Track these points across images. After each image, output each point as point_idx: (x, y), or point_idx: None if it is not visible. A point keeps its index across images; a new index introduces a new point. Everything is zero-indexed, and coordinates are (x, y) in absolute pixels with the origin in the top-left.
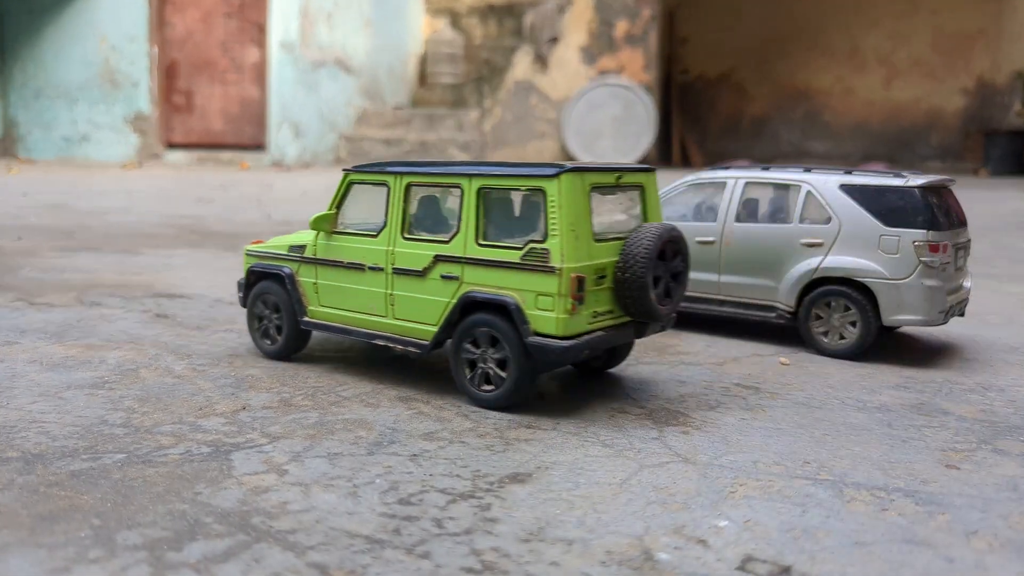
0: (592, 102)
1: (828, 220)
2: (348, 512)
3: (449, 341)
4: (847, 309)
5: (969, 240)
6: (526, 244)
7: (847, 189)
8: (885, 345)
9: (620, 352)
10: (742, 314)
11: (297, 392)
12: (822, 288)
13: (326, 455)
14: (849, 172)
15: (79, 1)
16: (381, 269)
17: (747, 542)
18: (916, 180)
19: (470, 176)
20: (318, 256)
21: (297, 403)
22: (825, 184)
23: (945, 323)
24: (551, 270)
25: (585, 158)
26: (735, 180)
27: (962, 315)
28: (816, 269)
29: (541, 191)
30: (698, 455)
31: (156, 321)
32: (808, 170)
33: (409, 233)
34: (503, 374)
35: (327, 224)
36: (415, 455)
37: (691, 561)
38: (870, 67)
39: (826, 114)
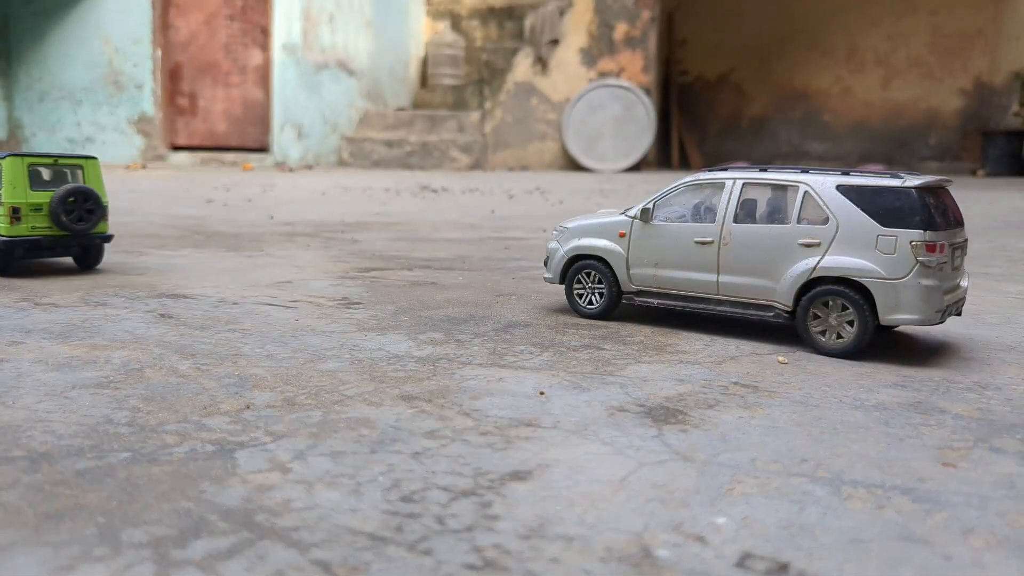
0: (592, 103)
1: (825, 220)
2: (351, 509)
3: None
4: (844, 308)
5: (966, 240)
6: None
7: (844, 190)
8: (883, 344)
9: (92, 255)
10: (740, 314)
11: (300, 391)
12: (820, 288)
13: (329, 453)
14: (846, 173)
15: (83, 4)
16: None
17: (745, 539)
18: (913, 181)
19: None
20: None
21: (300, 402)
22: (823, 185)
23: (942, 322)
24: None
25: (585, 159)
26: (733, 181)
27: (959, 314)
28: (814, 269)
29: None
30: (696, 453)
31: (160, 321)
32: (806, 171)
33: None
34: None
35: None
36: (417, 453)
37: (690, 558)
38: (869, 67)
39: (825, 114)
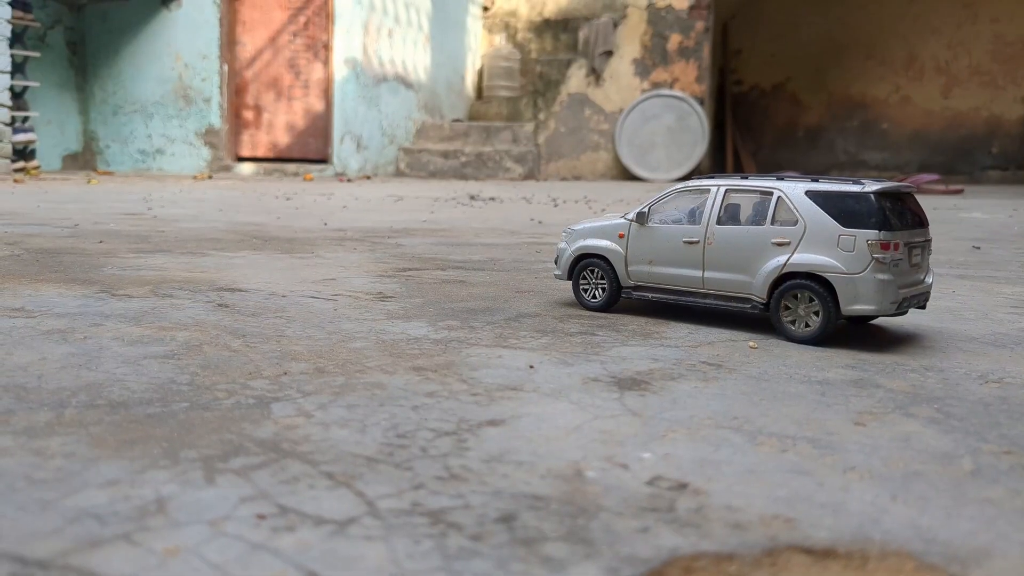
0: (645, 113)
1: (795, 222)
2: (356, 442)
3: None
4: (811, 300)
5: (928, 240)
6: None
7: (812, 195)
8: (853, 335)
9: None
10: (723, 306)
11: (330, 363)
12: (789, 282)
13: (346, 406)
14: (816, 180)
15: (156, 21)
16: None
17: (661, 468)
18: (872, 186)
19: None
20: None
21: (329, 370)
22: (793, 191)
23: (900, 314)
24: None
25: (638, 169)
26: (717, 187)
27: (922, 307)
28: (784, 265)
29: None
30: (645, 411)
31: (218, 310)
32: (780, 178)
33: None
34: None
35: None
36: (416, 406)
37: (611, 478)
38: (928, 76)
39: (883, 123)
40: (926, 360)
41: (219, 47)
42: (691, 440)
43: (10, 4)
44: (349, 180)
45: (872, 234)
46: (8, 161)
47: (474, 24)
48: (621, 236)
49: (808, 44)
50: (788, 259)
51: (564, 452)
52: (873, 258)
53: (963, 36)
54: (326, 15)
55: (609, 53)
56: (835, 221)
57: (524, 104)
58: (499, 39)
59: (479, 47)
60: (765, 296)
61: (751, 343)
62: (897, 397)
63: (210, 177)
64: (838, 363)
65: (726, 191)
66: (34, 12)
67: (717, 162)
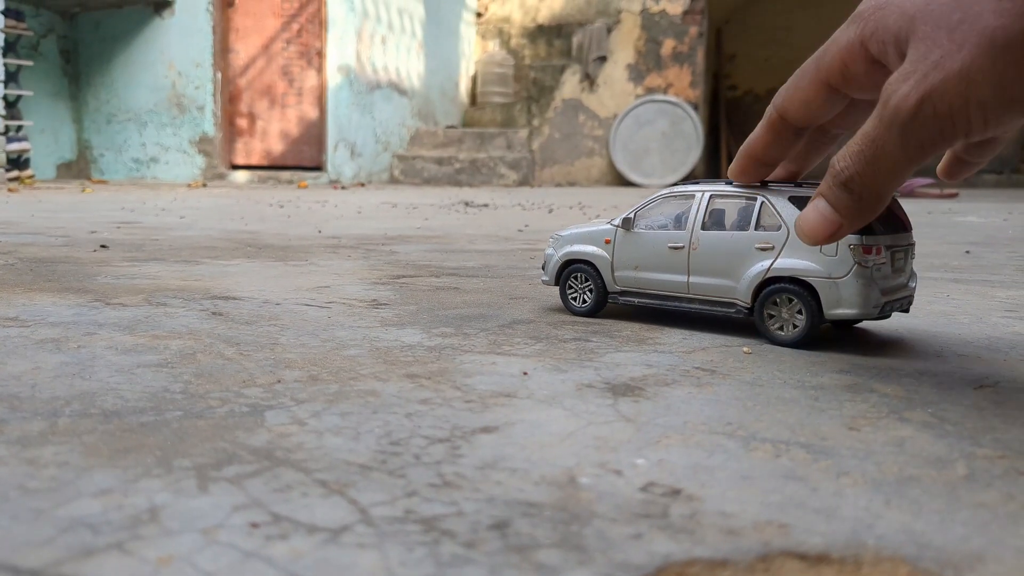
0: (640, 119)
1: (779, 227)
2: (349, 449)
3: None
4: (794, 304)
5: (912, 244)
6: None
7: (795, 200)
8: (847, 340)
9: None
10: (708, 310)
11: (323, 370)
12: (773, 286)
13: (339, 413)
14: (799, 186)
15: (148, 29)
16: None
17: (655, 473)
18: None
19: None
20: None
21: (323, 378)
22: (776, 196)
23: (883, 317)
24: None
25: (633, 174)
26: (702, 193)
27: (905, 311)
28: (768, 269)
29: None
30: (640, 417)
31: (212, 318)
32: (764, 185)
33: None
34: None
35: None
36: (410, 414)
37: (605, 484)
38: None
39: None
40: (920, 364)
41: (212, 55)
42: (685, 446)
43: (2, 13)
44: (343, 187)
45: (854, 238)
46: (2, 170)
47: (467, 30)
48: (607, 242)
49: (802, 49)
50: (772, 264)
51: (558, 459)
52: (856, 262)
53: None
54: (319, 22)
55: (603, 59)
56: None
57: (518, 110)
58: (493, 45)
59: (473, 53)
60: (749, 300)
61: (745, 348)
62: (891, 402)
63: (204, 185)
64: (832, 368)
65: (711, 196)
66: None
67: (712, 167)
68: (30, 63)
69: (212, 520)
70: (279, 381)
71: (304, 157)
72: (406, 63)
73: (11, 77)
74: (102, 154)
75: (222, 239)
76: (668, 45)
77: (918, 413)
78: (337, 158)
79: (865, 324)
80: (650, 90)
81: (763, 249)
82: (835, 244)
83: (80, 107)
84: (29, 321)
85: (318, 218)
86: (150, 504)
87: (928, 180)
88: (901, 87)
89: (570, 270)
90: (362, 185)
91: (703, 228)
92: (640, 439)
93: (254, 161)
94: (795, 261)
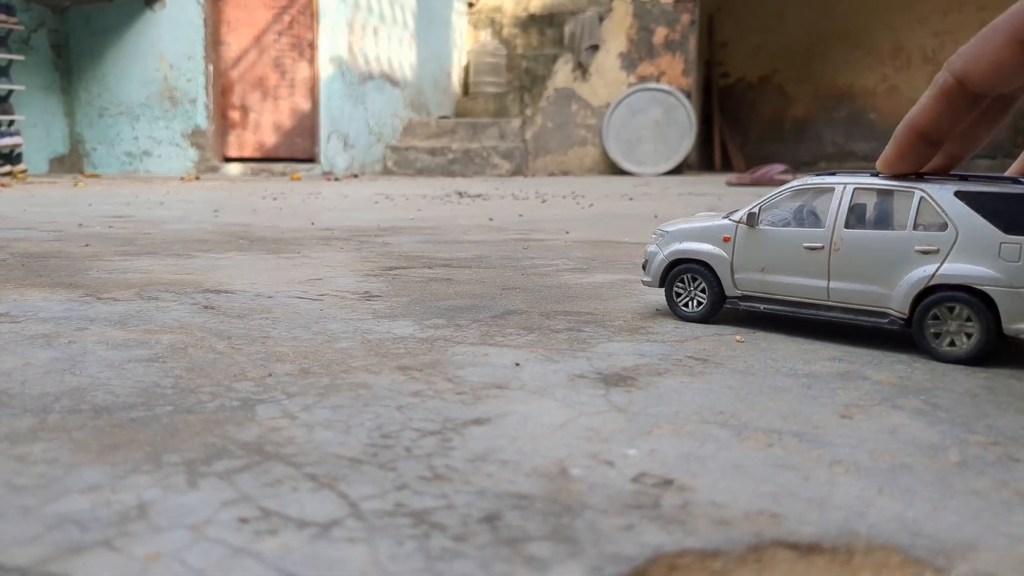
0: (632, 107)
1: (944, 227)
2: (340, 443)
3: None
4: (964, 316)
5: None
6: None
7: (963, 196)
8: (839, 328)
9: None
10: (852, 319)
11: (315, 364)
12: (938, 295)
13: (330, 407)
14: (965, 179)
15: (139, 22)
16: None
17: (646, 464)
18: None
19: None
20: None
21: (314, 371)
22: (940, 191)
23: None
24: None
25: (626, 163)
26: (843, 186)
27: None
28: (932, 276)
29: None
30: (631, 407)
31: (204, 311)
32: (920, 177)
33: None
34: None
35: None
36: (401, 406)
37: (596, 475)
38: (915, 65)
39: (871, 114)
40: (913, 351)
41: (204, 47)
42: (676, 436)
43: None
44: (336, 179)
45: None
46: None
47: (459, 20)
48: (727, 240)
49: (794, 35)
50: (937, 269)
51: (549, 450)
52: None
53: (949, 24)
54: (311, 14)
55: (595, 47)
56: (994, 226)
57: (511, 100)
58: (485, 35)
59: (465, 43)
60: (907, 311)
61: (737, 336)
62: (884, 389)
63: (197, 178)
64: (824, 356)
65: (854, 190)
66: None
67: (704, 155)
68: (21, 57)
69: (201, 516)
70: (270, 375)
71: (297, 149)
72: (398, 54)
73: (2, 72)
74: (94, 148)
75: (214, 232)
76: (660, 33)
77: (911, 400)
78: (330, 150)
79: None
80: (643, 78)
81: (925, 252)
82: (1018, 248)
83: (72, 101)
84: (20, 317)
85: (311, 210)
86: (139, 500)
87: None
88: None
89: (679, 270)
90: (355, 176)
91: (846, 226)
92: (632, 429)
93: (247, 153)
94: (967, 267)
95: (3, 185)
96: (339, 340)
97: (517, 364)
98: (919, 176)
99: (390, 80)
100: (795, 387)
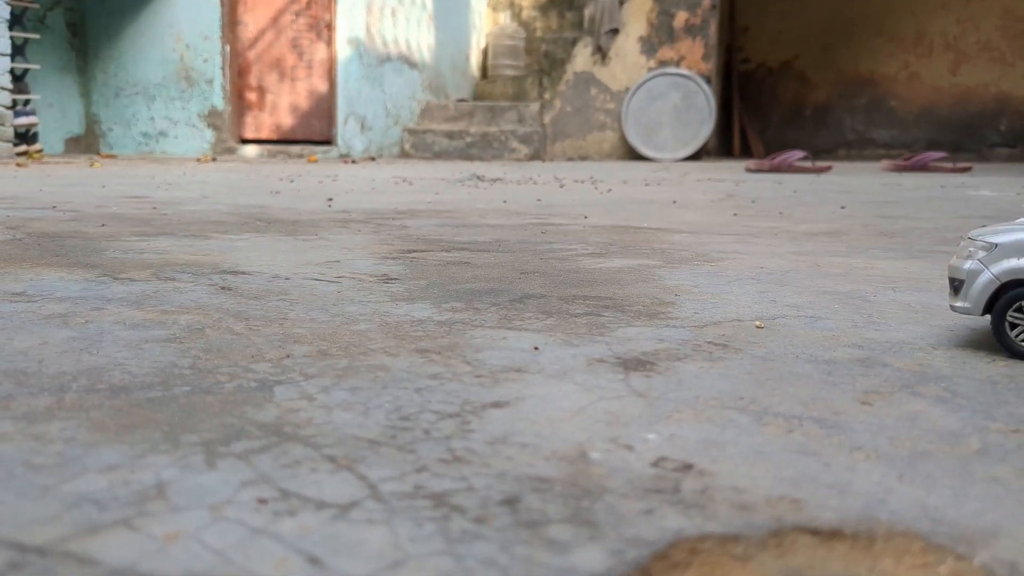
0: (652, 92)
1: None
2: (358, 425)
3: None
4: None
5: None
6: None
7: None
8: (858, 315)
9: None
10: None
11: (333, 345)
12: None
13: (349, 388)
14: None
15: (156, 2)
16: None
17: (666, 448)
18: None
19: None
20: None
21: (332, 353)
22: None
23: None
24: None
25: (645, 148)
26: None
27: None
28: None
29: None
30: (651, 392)
31: (221, 292)
32: None
33: None
34: None
35: None
36: (420, 388)
37: (616, 460)
38: (937, 52)
39: (891, 101)
40: (933, 339)
41: (221, 27)
42: (696, 421)
43: None
44: (354, 161)
45: None
46: (10, 145)
47: (478, 2)
48: None
49: (816, 21)
50: None
51: (568, 434)
52: None
53: (972, 11)
54: None
55: (615, 31)
56: None
57: (529, 83)
58: (504, 17)
59: (483, 26)
60: None
61: (757, 323)
62: (904, 376)
63: (214, 159)
64: (844, 342)
65: None
66: None
67: (724, 142)
68: (37, 36)
69: (220, 496)
70: (288, 356)
71: (314, 131)
72: (416, 36)
73: (18, 51)
74: (111, 128)
75: (231, 213)
76: (681, 17)
77: (931, 387)
78: (347, 132)
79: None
80: (662, 63)
81: None
82: None
83: (88, 81)
84: (36, 296)
85: (328, 192)
86: (157, 480)
87: (941, 154)
88: None
89: (1014, 295)
90: (372, 159)
91: None
92: (651, 414)
93: (264, 135)
94: None
95: (19, 165)
96: (357, 322)
97: (536, 348)
98: None
99: (408, 62)
100: (815, 373)
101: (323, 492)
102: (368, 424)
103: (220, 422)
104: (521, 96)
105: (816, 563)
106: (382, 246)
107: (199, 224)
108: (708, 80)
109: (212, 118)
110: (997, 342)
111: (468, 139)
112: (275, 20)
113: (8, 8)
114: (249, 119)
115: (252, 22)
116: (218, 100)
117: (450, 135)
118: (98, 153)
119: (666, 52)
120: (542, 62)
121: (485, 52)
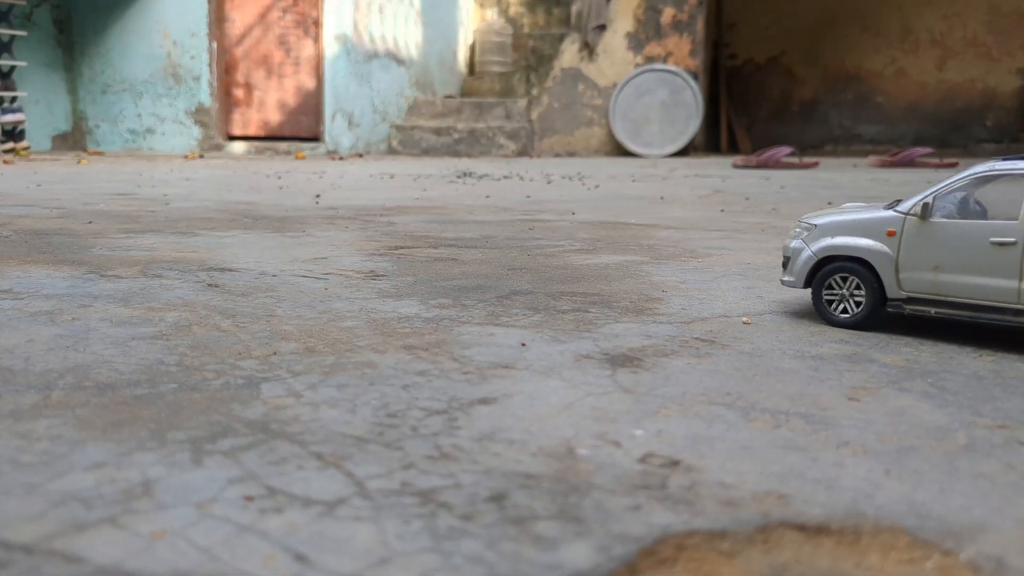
0: (639, 88)
1: None
2: (345, 422)
3: None
4: None
5: None
6: None
7: None
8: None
9: None
10: None
11: (320, 342)
12: None
13: (336, 385)
14: None
15: None
16: None
17: (653, 445)
18: None
19: None
20: None
21: (319, 350)
22: None
23: None
24: None
25: (632, 144)
26: None
27: None
28: None
29: None
30: (638, 388)
31: (208, 289)
32: None
33: None
34: None
35: None
36: (407, 385)
37: (603, 456)
38: (923, 48)
39: (877, 97)
40: (920, 334)
41: (208, 24)
42: (684, 417)
43: None
44: (341, 158)
45: None
46: None
47: None
48: (891, 234)
49: (802, 17)
50: None
51: (556, 430)
52: None
53: (958, 7)
54: None
55: (602, 27)
56: None
57: (517, 79)
58: (491, 13)
59: (471, 22)
60: None
61: (745, 318)
62: (891, 371)
63: (201, 156)
64: (832, 338)
65: None
66: None
67: (711, 137)
68: (23, 33)
69: (206, 494)
70: (275, 353)
71: (302, 127)
72: (404, 32)
73: (4, 47)
74: (97, 125)
75: (218, 210)
76: (668, 13)
77: (918, 383)
78: (335, 128)
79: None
80: (650, 59)
81: None
82: None
83: (75, 78)
84: (23, 293)
85: (315, 189)
86: (143, 478)
87: (928, 149)
88: None
89: (830, 269)
90: (360, 156)
91: None
92: (639, 410)
93: (251, 132)
94: None
95: (6, 162)
96: (344, 319)
97: (523, 344)
98: None
99: (395, 59)
100: (803, 369)
101: (310, 489)
102: (355, 421)
103: (207, 419)
104: (509, 92)
105: (803, 559)
106: (369, 243)
107: (186, 221)
108: (695, 76)
109: (199, 115)
110: (817, 311)
111: (456, 135)
112: (262, 16)
113: None
114: (236, 116)
115: (239, 19)
116: (205, 97)
117: (438, 131)
118: (85, 150)
119: (653, 48)
120: (529, 58)
121: (473, 48)
